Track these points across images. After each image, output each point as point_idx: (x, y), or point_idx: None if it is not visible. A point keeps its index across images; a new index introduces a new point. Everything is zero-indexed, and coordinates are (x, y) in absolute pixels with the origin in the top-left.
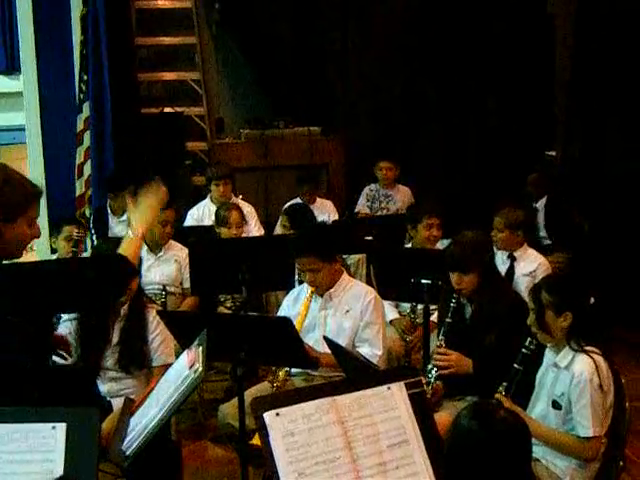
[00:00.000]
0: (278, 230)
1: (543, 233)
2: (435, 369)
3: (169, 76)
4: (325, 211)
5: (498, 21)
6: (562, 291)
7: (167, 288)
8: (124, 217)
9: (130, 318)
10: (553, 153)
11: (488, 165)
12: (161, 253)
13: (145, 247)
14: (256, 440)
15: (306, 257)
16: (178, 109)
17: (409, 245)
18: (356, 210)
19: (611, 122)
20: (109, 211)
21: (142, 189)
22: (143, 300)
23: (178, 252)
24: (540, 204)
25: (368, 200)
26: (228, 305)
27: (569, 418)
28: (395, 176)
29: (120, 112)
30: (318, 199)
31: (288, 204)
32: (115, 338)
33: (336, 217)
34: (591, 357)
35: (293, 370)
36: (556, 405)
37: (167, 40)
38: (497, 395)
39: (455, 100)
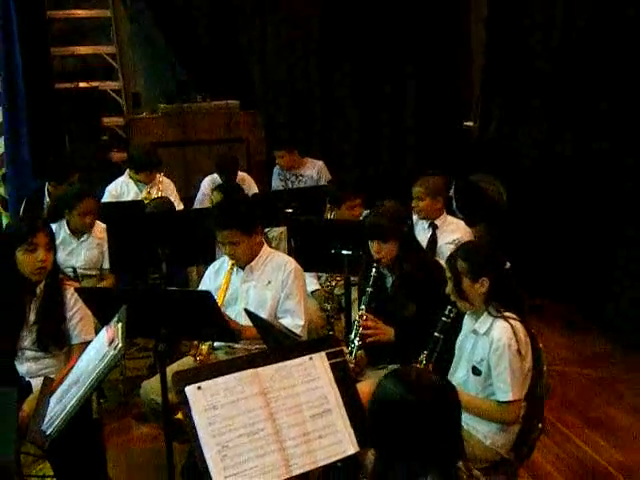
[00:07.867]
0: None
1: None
2: (357, 338)
3: (83, 50)
4: (245, 185)
5: None
6: (476, 257)
7: (84, 271)
8: None
9: (46, 297)
10: (471, 124)
11: (405, 136)
12: (83, 238)
13: (68, 231)
14: (180, 415)
15: (227, 230)
16: (93, 84)
17: (330, 216)
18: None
19: (527, 98)
20: (46, 195)
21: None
22: (59, 278)
23: (99, 234)
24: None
25: (281, 180)
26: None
27: (489, 384)
28: (292, 161)
29: (33, 88)
30: (240, 173)
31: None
32: (32, 317)
33: (256, 190)
34: (509, 322)
35: (216, 344)
36: (476, 371)
37: (80, 13)
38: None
39: (372, 73)
